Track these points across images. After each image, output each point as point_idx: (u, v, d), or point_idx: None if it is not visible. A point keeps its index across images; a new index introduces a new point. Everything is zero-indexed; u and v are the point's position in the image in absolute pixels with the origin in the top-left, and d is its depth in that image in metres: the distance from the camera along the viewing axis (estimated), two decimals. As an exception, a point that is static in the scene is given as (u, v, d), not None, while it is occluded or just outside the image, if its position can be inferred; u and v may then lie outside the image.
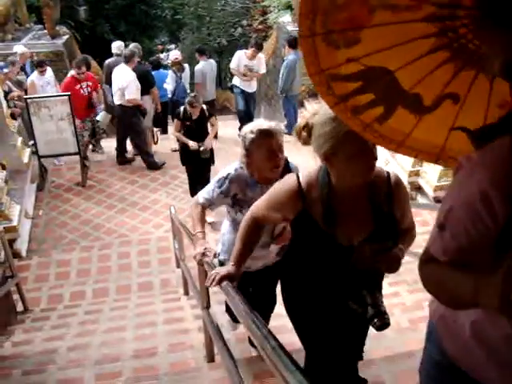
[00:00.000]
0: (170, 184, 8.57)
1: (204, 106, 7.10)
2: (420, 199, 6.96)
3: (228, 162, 3.34)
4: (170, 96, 10.05)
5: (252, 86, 10.09)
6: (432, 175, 6.68)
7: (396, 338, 3.77)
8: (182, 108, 7.05)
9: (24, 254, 6.71)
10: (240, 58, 9.74)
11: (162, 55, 19.13)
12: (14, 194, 7.12)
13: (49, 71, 9.28)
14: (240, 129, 9.70)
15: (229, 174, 3.17)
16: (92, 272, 6.44)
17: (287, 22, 12.34)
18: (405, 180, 6.72)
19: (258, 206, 2.51)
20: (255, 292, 3.56)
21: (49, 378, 3.83)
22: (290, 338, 2.83)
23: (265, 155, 2.96)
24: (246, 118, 9.83)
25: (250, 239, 2.57)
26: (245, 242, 2.56)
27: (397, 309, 4.39)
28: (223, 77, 17.12)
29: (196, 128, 7.01)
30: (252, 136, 2.95)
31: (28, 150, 8.22)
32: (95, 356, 4.21)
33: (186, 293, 5.53)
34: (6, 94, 8.39)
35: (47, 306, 5.79)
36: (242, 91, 10.03)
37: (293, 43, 9.51)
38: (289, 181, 2.36)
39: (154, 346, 4.29)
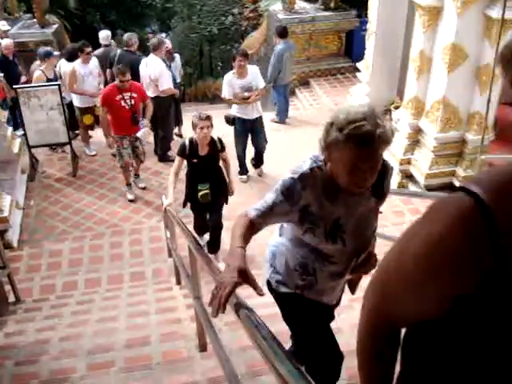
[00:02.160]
0: (162, 173, 8.52)
1: (215, 137, 5.65)
2: (411, 187, 6.99)
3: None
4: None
5: (256, 110, 7.80)
6: (423, 163, 6.70)
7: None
8: (186, 141, 5.61)
9: (15, 244, 6.69)
10: (230, 81, 7.60)
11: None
12: (4, 185, 7.09)
13: (93, 60, 8.67)
14: (240, 172, 8.17)
15: (302, 174, 2.18)
16: (84, 262, 6.43)
17: (278, 9, 12.30)
18: (396, 168, 6.74)
19: (379, 292, 1.30)
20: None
21: (41, 368, 3.85)
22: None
23: (346, 167, 2.04)
24: (255, 159, 8.34)
25: (384, 358, 1.39)
26: (378, 367, 1.42)
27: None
28: (214, 66, 17.05)
29: (205, 167, 5.63)
30: (337, 136, 2.00)
31: (18, 141, 8.17)
32: (87, 346, 4.22)
33: (178, 282, 5.54)
34: (49, 80, 8.27)
35: (39, 297, 5.78)
36: (244, 124, 7.80)
37: (282, 32, 9.36)
38: (450, 210, 1.06)
39: (147, 336, 4.30)
